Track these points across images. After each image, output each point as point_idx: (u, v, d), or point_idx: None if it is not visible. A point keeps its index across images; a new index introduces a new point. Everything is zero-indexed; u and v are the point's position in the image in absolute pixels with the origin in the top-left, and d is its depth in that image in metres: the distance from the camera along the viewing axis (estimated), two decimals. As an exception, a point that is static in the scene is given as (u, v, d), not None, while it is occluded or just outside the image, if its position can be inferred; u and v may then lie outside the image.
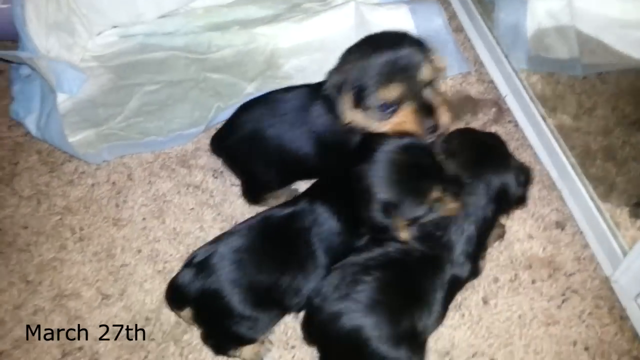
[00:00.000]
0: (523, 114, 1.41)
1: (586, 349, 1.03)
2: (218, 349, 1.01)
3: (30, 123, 1.45)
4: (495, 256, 1.16)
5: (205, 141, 1.42)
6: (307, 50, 1.67)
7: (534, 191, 1.26)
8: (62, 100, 1.54)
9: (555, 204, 1.24)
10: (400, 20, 1.67)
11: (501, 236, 1.18)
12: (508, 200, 1.00)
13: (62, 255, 1.21)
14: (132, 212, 1.28)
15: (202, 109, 1.49)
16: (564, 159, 1.23)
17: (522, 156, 1.33)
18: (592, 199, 1.14)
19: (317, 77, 1.57)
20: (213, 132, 1.42)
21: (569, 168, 1.21)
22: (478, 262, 1.03)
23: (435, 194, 0.92)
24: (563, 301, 1.09)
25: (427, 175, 0.93)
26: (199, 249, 0.98)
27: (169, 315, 1.10)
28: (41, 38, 1.59)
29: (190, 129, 1.43)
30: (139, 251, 1.21)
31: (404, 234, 0.95)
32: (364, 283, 0.91)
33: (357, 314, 0.89)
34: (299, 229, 0.98)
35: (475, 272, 1.02)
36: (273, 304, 0.97)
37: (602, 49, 1.61)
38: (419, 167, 0.93)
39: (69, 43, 1.66)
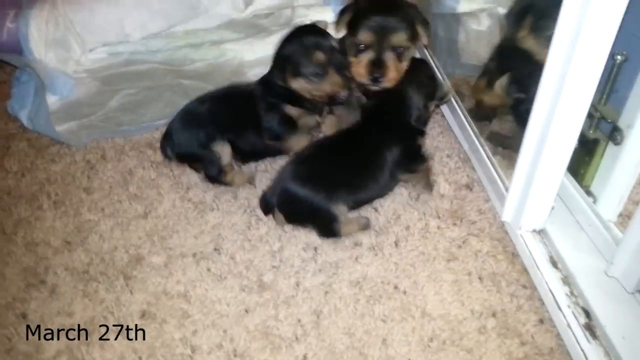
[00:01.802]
0: (447, 107, 1.62)
1: (479, 278, 1.17)
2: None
3: (23, 115, 1.69)
4: (409, 211, 1.32)
5: (172, 129, 1.63)
6: (268, 61, 1.90)
7: (450, 162, 1.44)
8: (53, 101, 1.77)
9: (467, 172, 1.42)
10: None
11: (430, 186, 1.37)
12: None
13: (37, 214, 1.39)
14: (100, 182, 1.48)
15: (172, 106, 1.71)
16: (472, 136, 1.42)
17: (446, 137, 1.53)
18: (490, 161, 1.32)
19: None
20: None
21: (474, 139, 1.40)
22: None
23: (318, 55, 1.29)
24: (463, 242, 1.24)
25: (317, 44, 1.31)
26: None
27: (122, 257, 1.27)
28: (40, 52, 1.86)
29: (159, 121, 1.65)
30: (102, 210, 1.39)
31: (295, 84, 1.33)
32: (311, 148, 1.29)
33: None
34: None
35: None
36: None
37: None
38: (315, 41, 1.31)
39: (65, 57, 1.91)
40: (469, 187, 1.37)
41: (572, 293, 1.09)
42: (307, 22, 1.97)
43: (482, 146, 1.35)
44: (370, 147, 1.26)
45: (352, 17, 1.32)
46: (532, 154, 1.08)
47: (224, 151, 1.37)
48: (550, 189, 1.11)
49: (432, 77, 1.36)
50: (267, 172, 1.47)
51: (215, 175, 1.39)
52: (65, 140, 1.58)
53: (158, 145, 1.57)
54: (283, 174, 1.24)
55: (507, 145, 1.43)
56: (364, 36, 1.26)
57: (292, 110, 1.40)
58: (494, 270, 1.18)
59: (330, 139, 1.35)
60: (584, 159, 1.16)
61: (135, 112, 1.70)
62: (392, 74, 1.26)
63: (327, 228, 1.24)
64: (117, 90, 1.82)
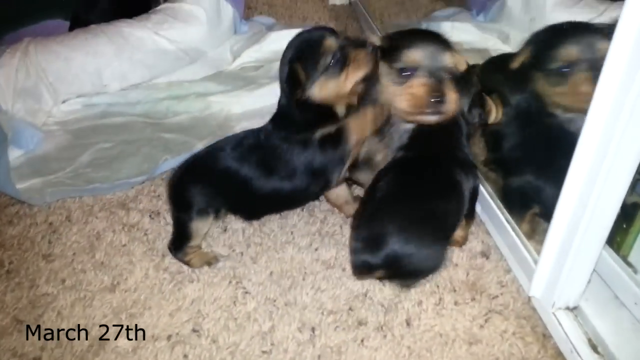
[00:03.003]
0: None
1: (508, 366, 0.99)
2: None
3: (-20, 171, 1.50)
4: (421, 283, 1.15)
5: (149, 187, 1.47)
6: (258, 114, 1.77)
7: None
8: (17, 155, 1.60)
9: (481, 237, 1.26)
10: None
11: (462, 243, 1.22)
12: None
13: (-16, 286, 1.19)
14: (63, 248, 1.28)
15: (150, 162, 1.55)
16: (487, 196, 1.28)
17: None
18: (509, 223, 1.17)
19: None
20: (157, 180, 1.48)
21: (490, 201, 1.25)
22: None
23: (329, 42, 1.06)
24: (486, 321, 1.07)
25: (322, 34, 1.09)
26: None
27: (82, 339, 1.06)
28: (7, 101, 1.71)
29: (135, 178, 1.48)
30: (63, 281, 1.19)
31: (315, 89, 1.07)
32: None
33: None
34: None
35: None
36: None
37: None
38: (318, 33, 1.10)
39: (35, 109, 1.77)
40: (485, 254, 1.21)
41: (620, 385, 0.91)
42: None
43: (499, 208, 1.21)
44: (449, 181, 1.08)
45: (385, 50, 1.11)
46: (568, 223, 0.93)
47: (199, 231, 1.18)
48: (588, 261, 0.96)
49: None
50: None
51: (175, 250, 1.21)
52: (26, 200, 1.40)
53: (131, 205, 1.40)
54: (381, 228, 1.01)
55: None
56: (413, 56, 1.05)
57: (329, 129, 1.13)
58: (523, 356, 1.01)
59: (399, 175, 1.09)
60: (620, 225, 1.01)
61: (108, 168, 1.54)
62: (453, 99, 1.04)
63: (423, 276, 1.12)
64: (90, 144, 1.67)
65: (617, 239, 1.04)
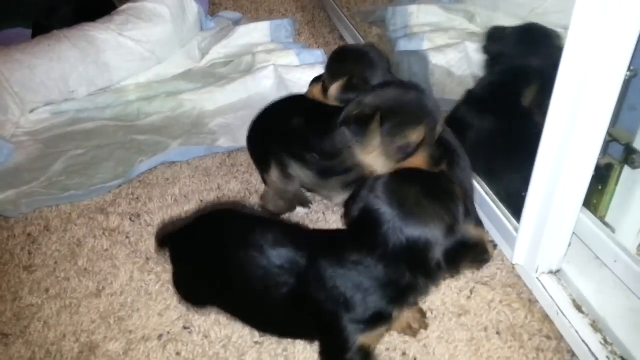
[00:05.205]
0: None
1: (498, 333, 1.01)
2: None
3: (-49, 188, 1.46)
4: (406, 261, 1.16)
5: (127, 190, 1.45)
6: (231, 109, 1.77)
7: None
8: (-12, 169, 1.57)
9: (462, 211, 1.28)
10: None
11: None
12: None
13: (-35, 303, 1.16)
14: (44, 258, 1.26)
15: (125, 165, 1.53)
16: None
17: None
18: (487, 195, 1.19)
19: (241, 131, 1.68)
20: (135, 182, 1.46)
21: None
22: None
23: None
24: (472, 292, 1.08)
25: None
26: None
27: (71, 347, 1.05)
28: (-28, 116, 1.67)
29: (111, 182, 1.46)
30: (47, 290, 1.17)
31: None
32: None
33: None
34: None
35: None
36: None
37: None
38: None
39: (1, 120, 1.72)
40: (467, 228, 1.23)
41: (606, 341, 0.94)
42: (270, 67, 1.84)
43: (476, 181, 1.22)
44: None
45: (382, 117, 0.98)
46: (545, 188, 0.95)
47: None
48: (568, 224, 0.98)
49: None
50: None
51: None
52: (1, 213, 1.37)
53: (110, 209, 1.38)
54: None
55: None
56: (417, 136, 0.97)
57: None
58: (512, 322, 1.03)
59: None
60: (596, 187, 1.04)
61: (83, 175, 1.51)
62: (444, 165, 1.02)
63: None
64: (62, 152, 1.64)
65: (593, 201, 1.06)
